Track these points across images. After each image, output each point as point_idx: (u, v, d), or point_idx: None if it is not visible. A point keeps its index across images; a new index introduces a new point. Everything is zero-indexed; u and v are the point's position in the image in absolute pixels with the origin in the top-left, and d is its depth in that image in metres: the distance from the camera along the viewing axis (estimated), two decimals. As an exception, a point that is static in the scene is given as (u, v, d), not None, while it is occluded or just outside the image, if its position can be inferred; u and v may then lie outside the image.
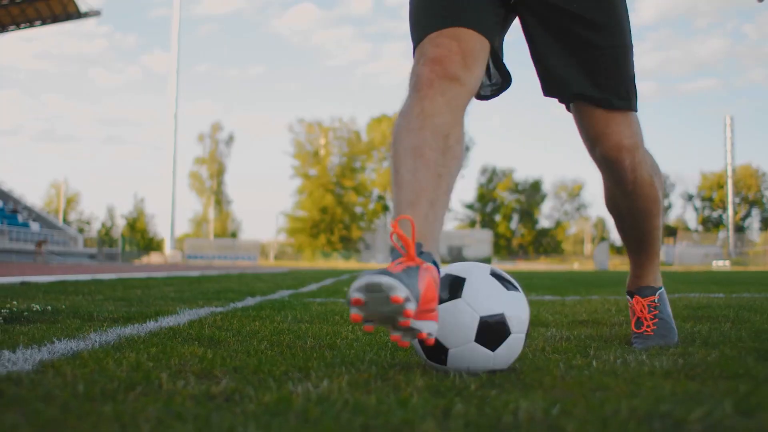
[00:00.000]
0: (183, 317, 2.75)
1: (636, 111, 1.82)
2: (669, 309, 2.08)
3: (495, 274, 1.52)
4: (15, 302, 3.16)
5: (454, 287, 1.45)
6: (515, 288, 1.54)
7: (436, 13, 1.64)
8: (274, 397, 1.13)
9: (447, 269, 1.52)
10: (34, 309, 2.83)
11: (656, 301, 2.04)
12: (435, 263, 1.32)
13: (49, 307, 3.00)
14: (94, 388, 1.17)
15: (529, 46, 1.82)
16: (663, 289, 2.09)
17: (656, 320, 2.01)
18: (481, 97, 1.78)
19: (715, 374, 1.40)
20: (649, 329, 1.99)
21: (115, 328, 2.29)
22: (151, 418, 0.97)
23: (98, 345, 1.81)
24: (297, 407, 1.05)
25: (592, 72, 1.75)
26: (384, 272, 1.15)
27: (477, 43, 1.61)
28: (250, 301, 4.02)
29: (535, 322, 2.61)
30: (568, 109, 1.89)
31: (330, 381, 1.28)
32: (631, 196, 1.90)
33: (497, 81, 1.77)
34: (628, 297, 2.11)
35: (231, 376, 1.35)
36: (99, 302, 3.68)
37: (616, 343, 2.00)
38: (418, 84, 1.55)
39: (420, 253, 1.29)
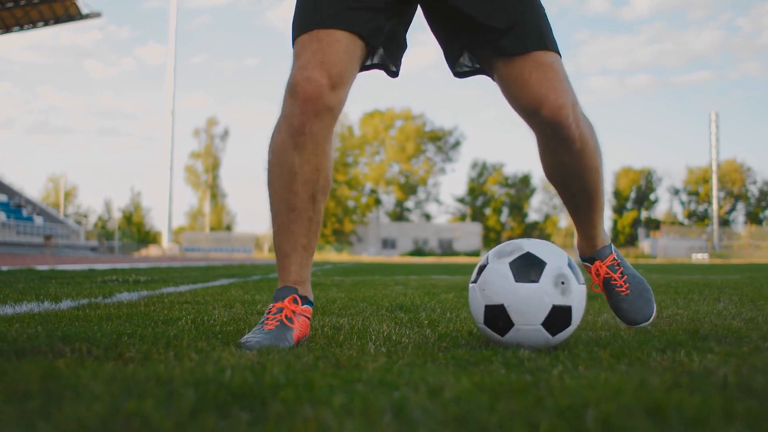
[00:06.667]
0: (223, 282, 5.17)
1: (560, 56, 1.75)
2: (625, 259, 2.08)
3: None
4: (127, 277, 5.46)
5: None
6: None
7: (309, 13, 1.69)
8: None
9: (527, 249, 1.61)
10: (143, 279, 5.14)
11: (616, 258, 2.04)
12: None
13: (149, 278, 5.32)
14: (214, 293, 3.57)
15: (440, 26, 1.83)
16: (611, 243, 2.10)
17: (625, 277, 2.02)
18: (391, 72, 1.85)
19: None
20: (623, 288, 2.00)
21: (196, 284, 4.65)
22: (239, 300, 3.32)
23: (200, 287, 4.18)
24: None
25: (516, 22, 1.70)
26: None
27: (346, 48, 1.67)
28: (254, 278, 6.39)
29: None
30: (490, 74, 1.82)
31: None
32: (580, 154, 1.83)
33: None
34: (587, 264, 2.09)
35: (260, 294, 3.73)
36: (170, 277, 5.97)
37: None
38: (291, 121, 1.69)
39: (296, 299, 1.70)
